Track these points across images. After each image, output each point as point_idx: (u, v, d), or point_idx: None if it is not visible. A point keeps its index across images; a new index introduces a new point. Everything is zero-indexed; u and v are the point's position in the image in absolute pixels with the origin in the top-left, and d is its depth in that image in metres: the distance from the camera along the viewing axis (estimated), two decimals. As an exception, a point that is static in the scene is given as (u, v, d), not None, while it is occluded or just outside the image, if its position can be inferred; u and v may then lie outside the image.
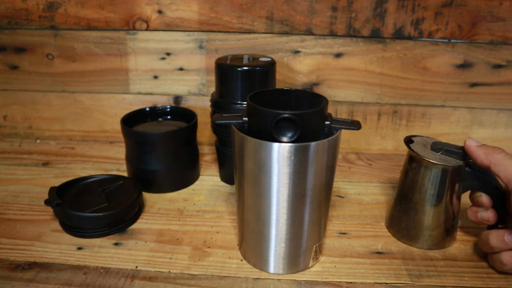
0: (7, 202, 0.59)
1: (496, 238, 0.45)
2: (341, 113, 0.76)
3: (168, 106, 0.70)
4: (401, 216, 0.52)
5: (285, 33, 0.72)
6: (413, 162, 0.50)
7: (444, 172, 0.47)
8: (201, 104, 0.77)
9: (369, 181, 0.67)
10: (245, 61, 0.60)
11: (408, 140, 0.52)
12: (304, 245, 0.45)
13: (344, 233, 0.54)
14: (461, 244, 0.52)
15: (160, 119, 0.69)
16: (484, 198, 0.47)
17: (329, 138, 0.41)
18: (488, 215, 0.47)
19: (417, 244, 0.51)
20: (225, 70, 0.59)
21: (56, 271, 0.46)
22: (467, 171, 0.48)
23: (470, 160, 0.47)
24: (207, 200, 0.61)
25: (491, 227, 0.47)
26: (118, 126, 0.63)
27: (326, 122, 0.43)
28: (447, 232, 0.51)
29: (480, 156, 0.45)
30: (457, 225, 0.52)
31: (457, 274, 0.47)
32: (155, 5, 0.72)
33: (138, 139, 0.61)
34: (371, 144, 0.78)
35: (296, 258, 0.46)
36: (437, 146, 0.49)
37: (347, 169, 0.72)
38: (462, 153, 0.48)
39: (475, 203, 0.48)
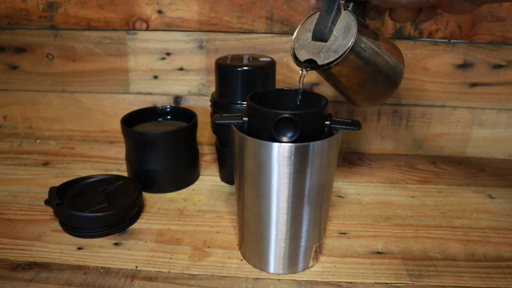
0: (7, 202, 0.59)
1: None
2: (341, 113, 0.76)
3: (168, 106, 0.70)
4: None
5: (285, 33, 0.72)
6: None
7: None
8: (201, 104, 0.77)
9: (369, 181, 0.67)
10: (245, 61, 0.60)
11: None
12: (304, 245, 0.45)
13: (344, 233, 0.54)
14: (461, 244, 0.52)
15: (160, 119, 0.69)
16: None
17: (329, 138, 0.41)
18: None
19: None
20: (225, 70, 0.59)
21: (56, 271, 0.46)
22: None
23: None
24: (207, 200, 0.61)
25: None
26: (118, 126, 0.63)
27: (326, 122, 0.43)
28: None
29: None
30: None
31: (457, 274, 0.47)
32: (155, 5, 0.72)
33: (138, 139, 0.61)
34: (371, 144, 0.78)
35: (296, 258, 0.46)
36: None
37: (347, 169, 0.72)
38: None
39: None
